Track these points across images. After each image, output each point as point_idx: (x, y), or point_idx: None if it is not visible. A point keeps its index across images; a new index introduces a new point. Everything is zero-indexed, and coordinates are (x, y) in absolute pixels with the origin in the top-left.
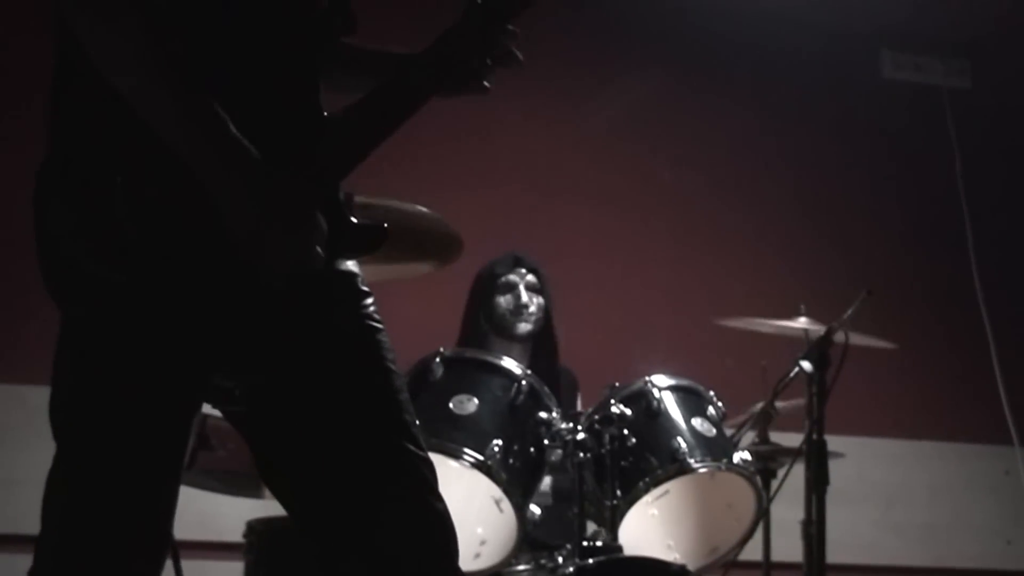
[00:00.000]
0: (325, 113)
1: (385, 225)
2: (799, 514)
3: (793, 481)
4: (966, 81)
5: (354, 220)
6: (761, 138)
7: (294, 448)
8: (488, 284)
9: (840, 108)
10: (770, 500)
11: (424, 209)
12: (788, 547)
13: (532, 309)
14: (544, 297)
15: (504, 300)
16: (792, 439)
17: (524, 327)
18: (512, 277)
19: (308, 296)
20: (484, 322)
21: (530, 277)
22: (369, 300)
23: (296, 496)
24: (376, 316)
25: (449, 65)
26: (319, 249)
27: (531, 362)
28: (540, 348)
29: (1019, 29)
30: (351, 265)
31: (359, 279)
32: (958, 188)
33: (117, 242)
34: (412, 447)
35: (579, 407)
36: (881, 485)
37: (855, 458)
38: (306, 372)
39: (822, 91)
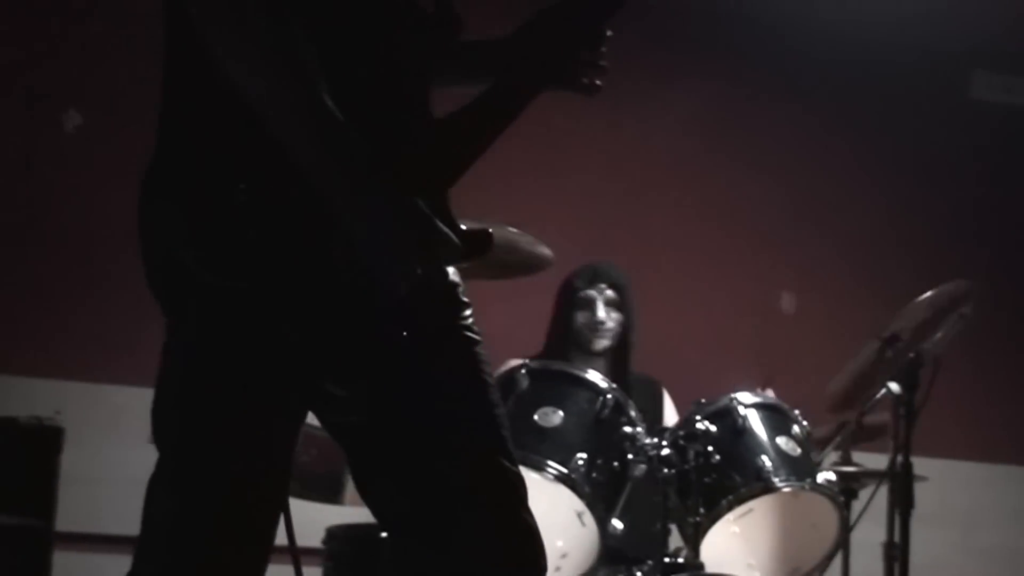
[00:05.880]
0: (434, 116)
1: (490, 230)
2: (879, 535)
3: (874, 502)
4: None
5: (462, 226)
6: (846, 156)
7: (394, 457)
8: (567, 299)
9: (927, 129)
10: (855, 522)
11: (514, 230)
12: (867, 569)
13: (610, 325)
14: (624, 312)
15: (582, 316)
16: (874, 460)
17: (601, 343)
18: (590, 292)
19: (416, 304)
20: (564, 336)
21: (609, 292)
22: (468, 312)
23: (392, 505)
24: (475, 328)
25: (555, 59)
26: (443, 253)
27: (611, 376)
28: (618, 361)
29: None
30: (452, 274)
31: (460, 289)
32: None
33: (236, 249)
34: (507, 462)
35: (666, 416)
36: (963, 508)
37: (936, 480)
38: (410, 382)
39: (909, 111)
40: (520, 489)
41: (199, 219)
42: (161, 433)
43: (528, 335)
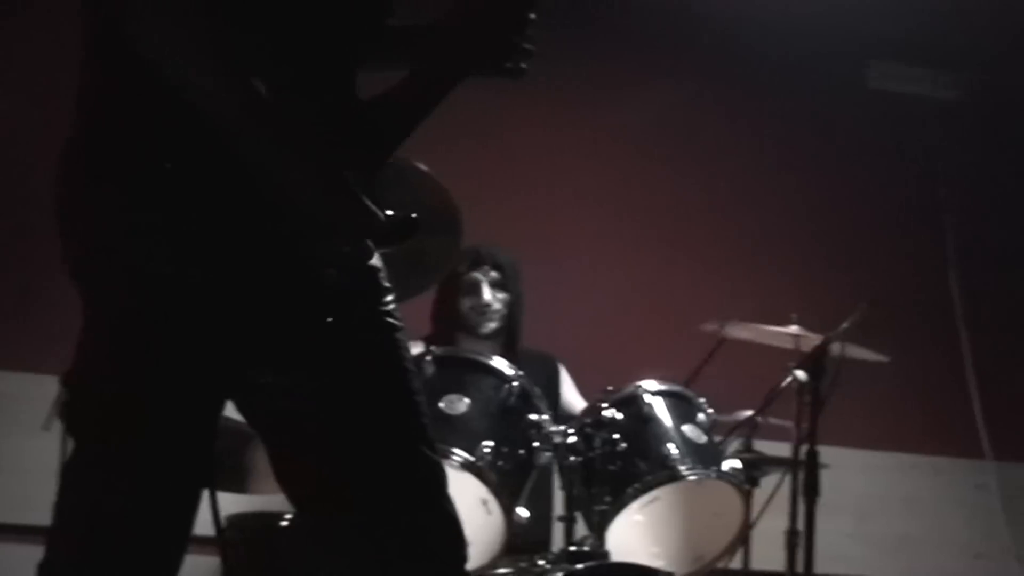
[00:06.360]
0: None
1: (414, 216)
2: (780, 523)
3: (773, 488)
4: (954, 93)
5: (389, 212)
6: (753, 145)
7: (315, 444)
8: (452, 283)
9: (828, 118)
10: (762, 512)
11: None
12: (768, 555)
13: (496, 307)
14: (510, 291)
15: (468, 300)
16: (776, 447)
17: (489, 326)
18: (475, 275)
19: (344, 289)
20: (451, 320)
21: (493, 274)
22: (389, 297)
23: (309, 493)
24: (396, 314)
25: (482, 43)
26: (370, 229)
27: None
28: (508, 342)
29: (1009, 41)
30: (375, 259)
31: (382, 274)
32: (941, 198)
33: (165, 232)
34: (426, 450)
35: (564, 393)
36: (857, 496)
37: (832, 468)
38: (330, 370)
39: (811, 100)
40: (440, 477)
41: (127, 202)
42: (78, 421)
43: (412, 316)
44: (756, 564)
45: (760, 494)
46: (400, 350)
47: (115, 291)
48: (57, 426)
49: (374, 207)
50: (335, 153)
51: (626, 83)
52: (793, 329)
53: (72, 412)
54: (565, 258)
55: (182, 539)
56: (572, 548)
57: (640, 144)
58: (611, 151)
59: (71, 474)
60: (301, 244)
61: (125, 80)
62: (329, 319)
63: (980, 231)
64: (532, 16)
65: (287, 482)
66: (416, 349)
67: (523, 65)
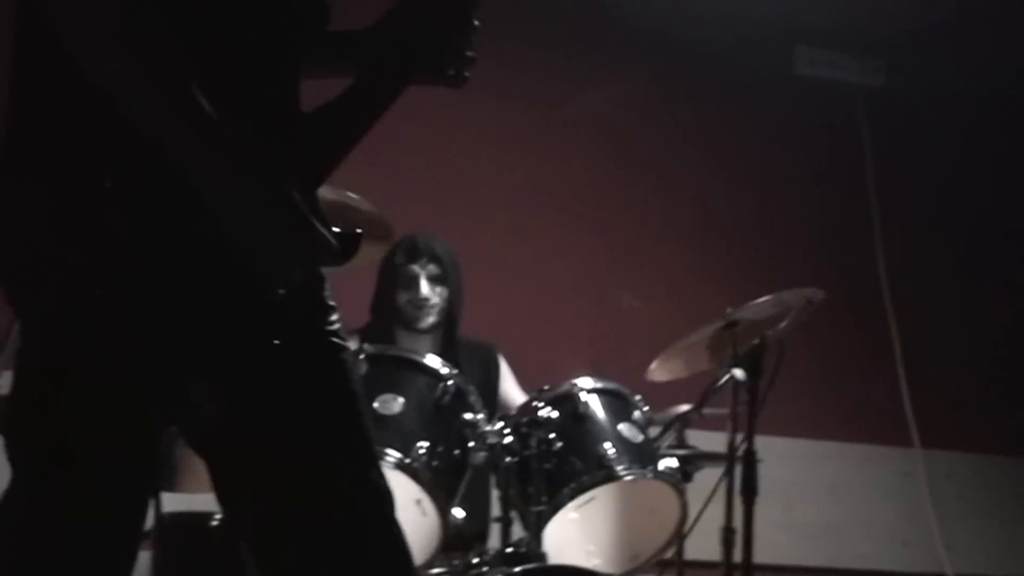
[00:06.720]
0: (303, 111)
1: (359, 231)
2: (714, 512)
3: (705, 481)
4: (880, 79)
5: (335, 228)
6: (675, 133)
7: (258, 470)
8: (389, 275)
9: (753, 103)
10: (701, 512)
11: (354, 195)
12: (702, 547)
13: (434, 301)
14: (449, 285)
15: (405, 294)
16: (709, 439)
17: (427, 321)
18: (413, 268)
19: (287, 309)
20: (388, 314)
21: (432, 267)
22: (335, 316)
23: (252, 518)
24: (341, 334)
25: (424, 50)
26: (321, 254)
27: (441, 350)
28: (446, 335)
29: (934, 28)
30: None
31: (327, 292)
32: (868, 186)
33: (100, 248)
34: (375, 477)
35: (503, 383)
36: (783, 484)
37: (761, 458)
38: (277, 393)
39: (737, 86)
40: (389, 503)
41: (64, 216)
42: (11, 441)
43: (349, 307)
44: (690, 555)
45: (694, 488)
46: (346, 372)
47: (42, 307)
48: None
49: (323, 229)
50: (278, 170)
51: (558, 72)
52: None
53: (8, 437)
54: (506, 246)
55: (129, 554)
56: (509, 550)
57: (576, 132)
58: (549, 140)
59: (4, 499)
60: (248, 264)
61: (58, 81)
62: (275, 342)
63: (908, 217)
64: (475, 22)
65: (226, 505)
66: (351, 343)
67: (466, 73)
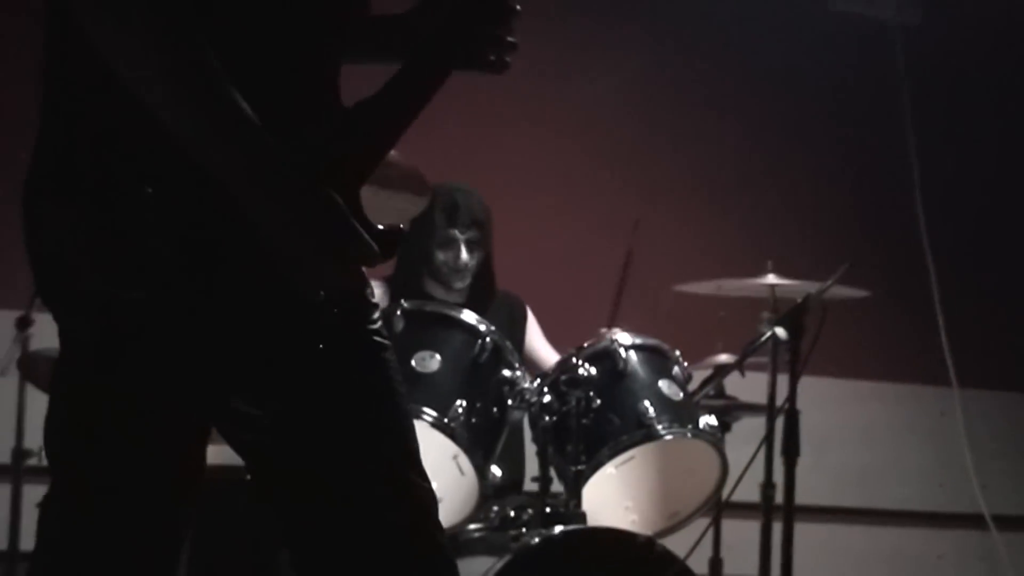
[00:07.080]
0: (344, 105)
1: (401, 226)
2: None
3: (750, 435)
4: (917, 16)
5: (379, 226)
6: (715, 84)
7: (303, 475)
8: (426, 230)
9: (788, 43)
10: (742, 475)
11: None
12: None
13: (472, 264)
14: (484, 249)
15: (443, 254)
16: (747, 387)
17: (464, 283)
18: (453, 232)
19: (329, 311)
20: (420, 267)
21: (471, 232)
22: (376, 314)
23: (297, 522)
24: (383, 332)
25: (463, 37)
26: (363, 259)
27: (474, 306)
28: (479, 292)
29: None
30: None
31: (368, 290)
32: (906, 125)
33: (140, 257)
34: (418, 479)
35: (530, 336)
36: (816, 426)
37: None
38: (321, 396)
39: (771, 29)
40: (431, 506)
41: (100, 225)
42: (52, 451)
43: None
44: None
45: (732, 439)
46: (390, 372)
47: (78, 316)
48: (14, 371)
49: (364, 233)
50: (319, 173)
51: (589, 19)
52: (770, 279)
53: (46, 442)
54: (533, 196)
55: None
56: (547, 510)
57: (606, 80)
58: (581, 93)
59: (46, 504)
60: (290, 270)
61: (92, 89)
62: (320, 346)
63: (947, 158)
64: (516, 8)
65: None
66: (378, 290)
67: (507, 59)
